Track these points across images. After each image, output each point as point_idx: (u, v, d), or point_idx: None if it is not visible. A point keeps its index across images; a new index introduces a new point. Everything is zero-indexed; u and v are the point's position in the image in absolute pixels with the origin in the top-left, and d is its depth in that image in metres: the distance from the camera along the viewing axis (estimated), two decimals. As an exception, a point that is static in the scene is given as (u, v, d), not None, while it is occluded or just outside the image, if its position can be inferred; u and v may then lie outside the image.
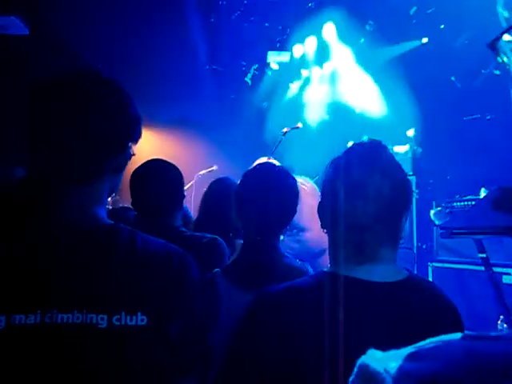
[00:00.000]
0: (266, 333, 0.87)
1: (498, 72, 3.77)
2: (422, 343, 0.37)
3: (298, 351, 0.83)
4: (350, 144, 1.02)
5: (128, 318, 0.73)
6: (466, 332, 0.38)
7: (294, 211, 1.39)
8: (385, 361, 0.33)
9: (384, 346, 0.60)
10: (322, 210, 1.00)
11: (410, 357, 0.34)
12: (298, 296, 0.90)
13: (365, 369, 0.34)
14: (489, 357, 0.32)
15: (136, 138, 0.89)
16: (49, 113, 0.80)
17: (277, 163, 3.43)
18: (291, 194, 1.38)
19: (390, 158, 0.95)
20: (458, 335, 0.36)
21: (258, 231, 1.33)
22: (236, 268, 1.35)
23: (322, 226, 1.00)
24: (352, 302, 0.86)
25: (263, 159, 3.33)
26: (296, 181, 1.43)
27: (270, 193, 1.33)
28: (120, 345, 0.72)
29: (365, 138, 1.01)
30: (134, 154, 0.91)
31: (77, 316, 0.71)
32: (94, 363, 0.71)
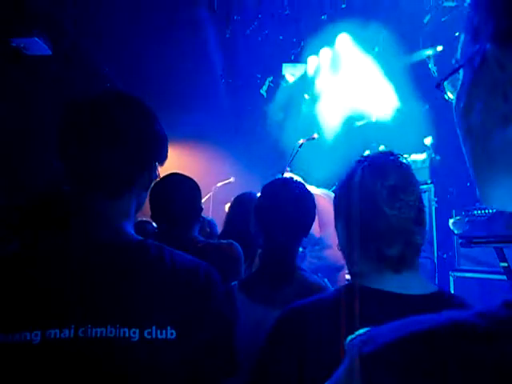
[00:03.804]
0: (293, 348, 0.87)
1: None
2: None
3: (326, 367, 0.83)
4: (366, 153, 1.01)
5: (158, 331, 0.75)
6: None
7: (312, 221, 1.42)
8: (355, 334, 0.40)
9: None
10: (347, 221, 0.95)
11: (372, 329, 0.40)
12: (327, 310, 0.89)
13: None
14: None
15: (163, 158, 0.94)
16: (81, 133, 0.86)
17: (294, 176, 3.46)
18: (308, 205, 1.42)
19: (408, 165, 0.96)
20: None
21: (278, 240, 1.35)
22: (253, 281, 1.37)
23: (345, 237, 0.97)
24: (388, 316, 0.85)
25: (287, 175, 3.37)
26: (311, 193, 1.46)
27: (288, 204, 1.36)
28: (151, 357, 0.74)
29: (379, 148, 1.03)
30: (159, 175, 0.95)
31: (110, 330, 0.73)
32: (126, 375, 0.74)
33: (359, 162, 0.98)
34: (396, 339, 0.36)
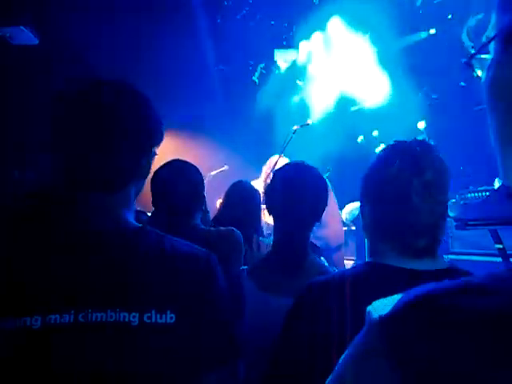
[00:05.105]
0: (317, 323, 0.90)
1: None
2: None
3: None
4: (380, 147, 1.03)
5: (158, 315, 0.75)
6: None
7: (326, 204, 1.40)
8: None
9: None
10: (376, 208, 1.00)
11: (389, 297, 0.43)
12: (351, 285, 0.92)
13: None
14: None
15: (159, 141, 0.92)
16: (74, 124, 0.83)
17: (287, 161, 3.45)
18: (322, 188, 1.39)
19: (443, 161, 0.98)
20: None
21: (292, 225, 1.33)
22: (264, 268, 1.35)
23: (371, 222, 1.01)
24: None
25: (275, 157, 3.33)
26: (323, 177, 1.42)
27: (302, 190, 1.33)
28: (151, 341, 0.75)
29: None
30: (156, 154, 0.94)
31: (110, 315, 0.74)
32: (127, 359, 0.74)
33: (394, 148, 0.99)
34: (412, 299, 0.40)
